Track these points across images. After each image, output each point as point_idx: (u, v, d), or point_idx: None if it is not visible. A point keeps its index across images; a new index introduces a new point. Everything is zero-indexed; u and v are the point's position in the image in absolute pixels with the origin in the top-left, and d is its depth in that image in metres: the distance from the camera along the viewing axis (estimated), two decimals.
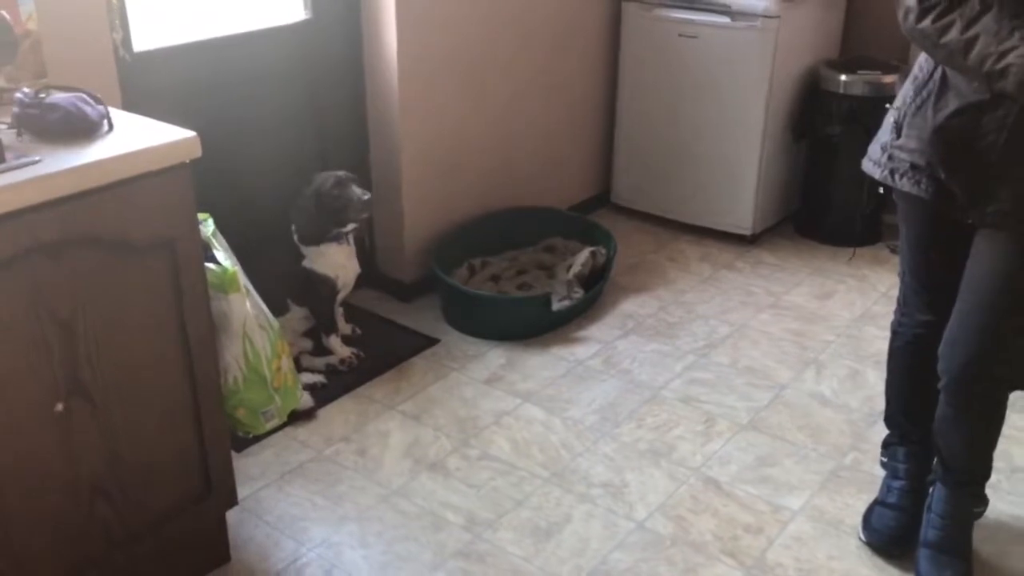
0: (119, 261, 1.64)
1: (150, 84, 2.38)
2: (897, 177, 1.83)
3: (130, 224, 1.64)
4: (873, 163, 1.91)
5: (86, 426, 1.68)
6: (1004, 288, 1.78)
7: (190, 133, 1.70)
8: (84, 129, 1.68)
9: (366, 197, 2.58)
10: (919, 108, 1.76)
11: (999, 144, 1.66)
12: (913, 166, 1.79)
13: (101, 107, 1.73)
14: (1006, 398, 1.94)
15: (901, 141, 1.81)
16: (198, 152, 1.70)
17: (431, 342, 2.89)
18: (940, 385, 1.91)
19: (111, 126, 1.72)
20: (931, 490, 2.04)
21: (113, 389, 1.70)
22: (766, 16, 3.20)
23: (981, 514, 2.06)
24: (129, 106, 2.13)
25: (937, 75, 1.73)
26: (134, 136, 1.69)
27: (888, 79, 3.32)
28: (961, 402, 1.90)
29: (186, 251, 1.72)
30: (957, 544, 1.97)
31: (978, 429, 1.95)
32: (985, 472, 2.02)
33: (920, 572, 1.96)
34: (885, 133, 1.88)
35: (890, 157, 1.85)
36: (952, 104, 1.70)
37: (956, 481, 1.99)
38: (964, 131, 1.69)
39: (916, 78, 1.79)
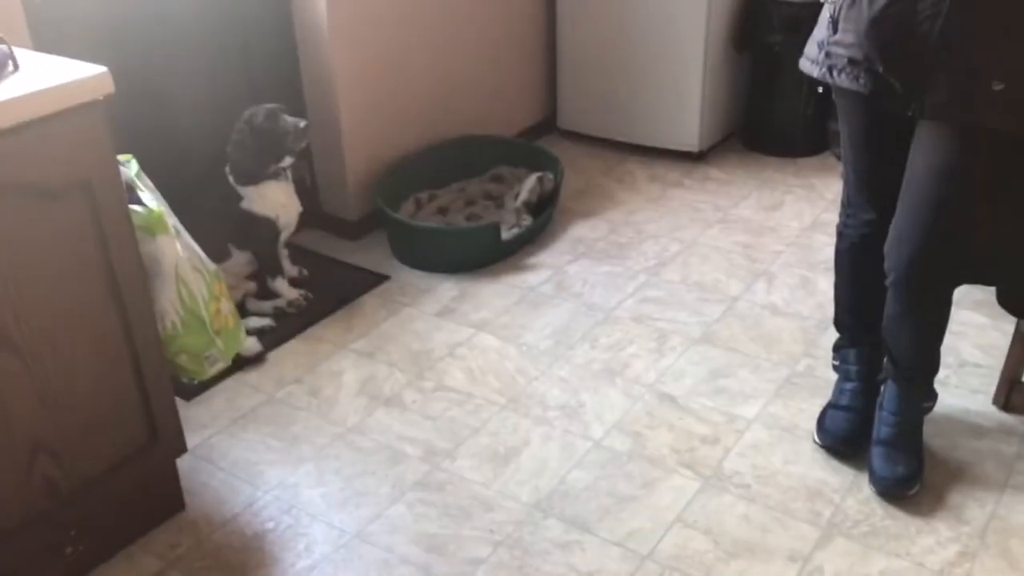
0: (35, 207, 1.57)
1: (64, 25, 2.27)
2: (835, 73, 1.80)
3: (43, 167, 1.57)
4: (810, 62, 1.87)
5: (17, 381, 1.62)
6: (947, 182, 1.77)
7: (101, 68, 1.62)
8: None
9: (302, 124, 2.51)
10: (853, 1, 1.73)
11: (935, 32, 1.63)
12: (851, 61, 1.76)
13: (3, 47, 1.64)
14: (952, 292, 1.95)
15: (838, 36, 1.78)
16: (110, 88, 1.62)
17: (381, 279, 2.85)
18: (887, 282, 1.91)
19: (16, 66, 1.62)
20: (882, 388, 2.06)
21: (43, 340, 1.64)
22: None
23: (930, 409, 2.09)
24: (41, 48, 2.03)
25: None
26: (41, 75, 1.60)
27: None
28: (908, 298, 1.91)
29: (106, 193, 1.65)
30: (908, 440, 1.99)
31: (925, 324, 1.96)
32: (933, 366, 2.03)
33: (873, 469, 1.98)
34: (821, 30, 1.84)
35: (827, 54, 1.81)
36: None
37: (906, 377, 2.00)
38: (900, 20, 1.66)
39: None
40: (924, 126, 1.77)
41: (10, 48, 1.64)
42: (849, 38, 1.75)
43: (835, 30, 1.79)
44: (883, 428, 2.01)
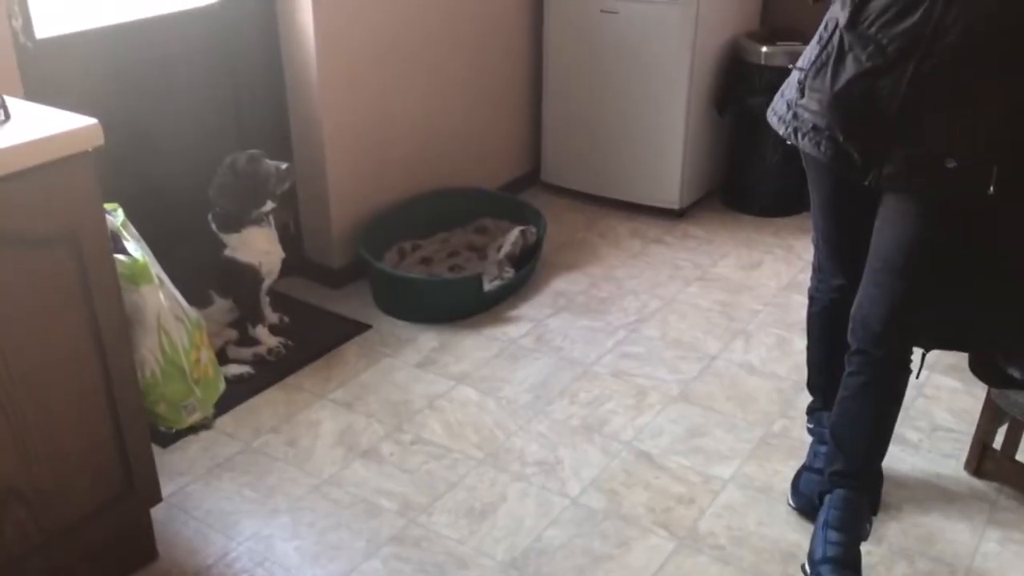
0: (20, 255, 1.58)
1: (55, 73, 2.29)
2: (799, 136, 1.85)
3: (30, 217, 1.58)
4: (778, 118, 1.92)
5: None
6: (910, 251, 1.79)
7: (91, 120, 1.64)
8: None
9: (284, 166, 2.54)
10: (819, 70, 1.78)
11: (893, 107, 1.68)
12: (815, 127, 1.81)
13: None
14: (909, 368, 1.93)
15: (804, 101, 1.82)
16: (100, 140, 1.64)
17: (362, 328, 2.86)
18: (849, 353, 1.90)
19: (7, 116, 1.64)
20: (824, 502, 1.97)
21: (23, 388, 1.64)
22: None
23: (869, 532, 1.96)
24: (32, 96, 2.05)
25: (836, 39, 1.75)
26: (32, 125, 1.62)
27: None
28: (871, 367, 1.89)
29: (92, 243, 1.66)
30: (854, 558, 1.90)
31: (883, 401, 1.93)
32: (880, 471, 2.00)
33: None
34: (791, 90, 1.89)
35: (795, 116, 1.86)
36: (850, 70, 1.72)
37: (855, 478, 1.95)
38: (862, 95, 1.71)
39: (820, 37, 1.81)
40: (888, 197, 1.80)
41: (1, 98, 1.67)
42: (814, 105, 1.80)
43: (802, 95, 1.83)
44: (829, 547, 1.89)
